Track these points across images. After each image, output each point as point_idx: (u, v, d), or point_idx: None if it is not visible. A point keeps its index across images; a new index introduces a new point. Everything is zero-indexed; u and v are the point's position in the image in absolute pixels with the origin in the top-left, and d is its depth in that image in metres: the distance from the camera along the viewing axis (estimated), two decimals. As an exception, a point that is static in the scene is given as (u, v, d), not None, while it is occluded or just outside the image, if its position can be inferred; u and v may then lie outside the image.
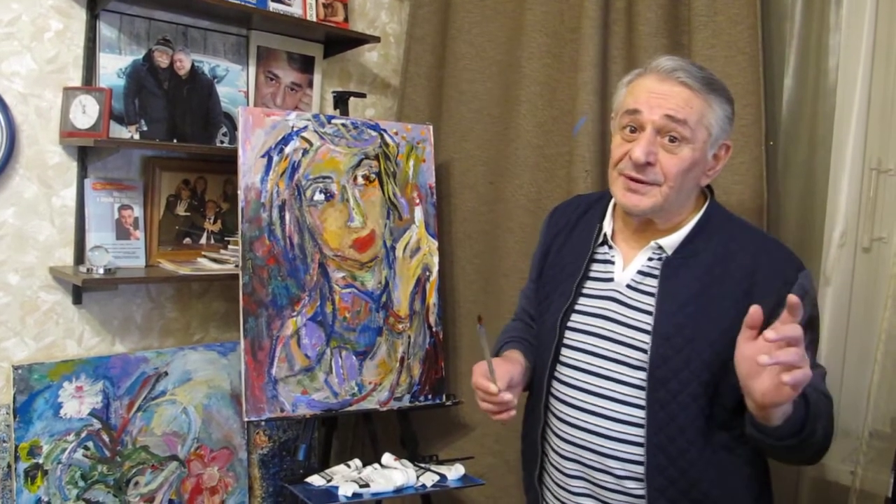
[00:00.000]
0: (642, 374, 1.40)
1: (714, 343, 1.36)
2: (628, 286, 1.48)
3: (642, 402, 1.40)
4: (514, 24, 2.32)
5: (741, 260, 1.41)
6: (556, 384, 1.54)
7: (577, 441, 1.47)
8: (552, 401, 1.55)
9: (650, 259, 1.48)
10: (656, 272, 1.45)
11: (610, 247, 1.54)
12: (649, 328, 1.41)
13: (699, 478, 1.39)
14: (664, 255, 1.46)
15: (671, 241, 1.45)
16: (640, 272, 1.48)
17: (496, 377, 1.42)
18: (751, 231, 1.51)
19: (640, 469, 1.40)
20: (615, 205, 1.55)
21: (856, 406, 1.89)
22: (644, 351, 1.41)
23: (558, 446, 1.52)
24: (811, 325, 1.35)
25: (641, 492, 1.41)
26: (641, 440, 1.40)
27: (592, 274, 1.55)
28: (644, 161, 1.37)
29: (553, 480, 1.56)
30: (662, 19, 1.99)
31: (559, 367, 1.54)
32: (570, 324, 1.53)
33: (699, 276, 1.41)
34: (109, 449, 2.03)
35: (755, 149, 1.86)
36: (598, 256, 1.55)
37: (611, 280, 1.51)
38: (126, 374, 2.06)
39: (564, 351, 1.53)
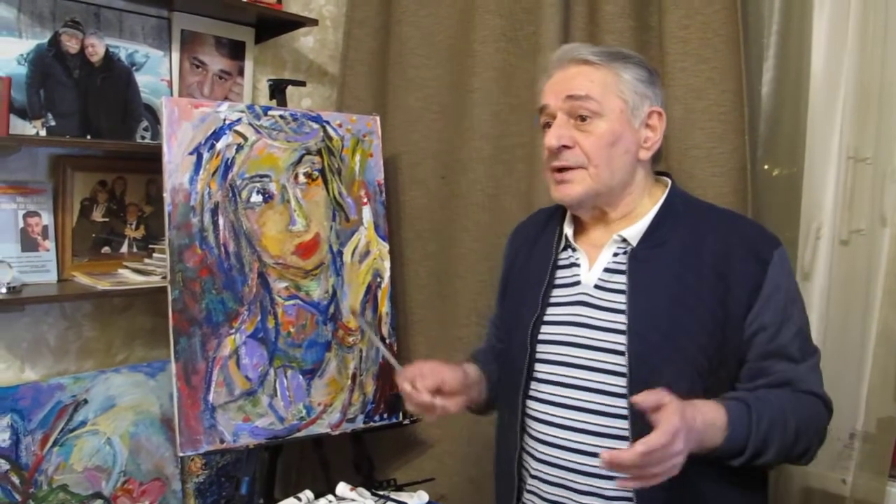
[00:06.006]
0: (623, 381, 1.29)
1: (695, 337, 1.28)
2: (596, 286, 1.39)
3: (626, 412, 1.29)
4: (464, 4, 2.15)
5: (712, 244, 1.33)
6: (531, 403, 1.43)
7: (561, 462, 1.36)
8: (528, 421, 1.43)
9: (615, 255, 1.39)
10: (624, 267, 1.36)
11: (574, 249, 1.45)
12: (624, 328, 1.31)
13: (693, 490, 1.28)
14: (629, 247, 1.37)
15: (634, 231, 1.37)
16: (606, 270, 1.39)
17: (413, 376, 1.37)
18: (719, 212, 1.44)
19: None
20: None
21: (837, 406, 1.82)
22: (622, 353, 1.30)
23: (538, 470, 1.40)
24: (791, 310, 1.31)
25: None
26: None
27: (558, 281, 1.46)
28: (557, 144, 1.35)
29: None
30: (629, -3, 1.85)
31: (533, 384, 1.42)
32: (540, 336, 1.43)
33: (670, 266, 1.33)
34: (21, 492, 1.78)
35: (736, 138, 1.74)
36: (562, 262, 1.47)
37: (578, 283, 1.42)
38: (38, 405, 1.83)
39: (538, 366, 1.42)
